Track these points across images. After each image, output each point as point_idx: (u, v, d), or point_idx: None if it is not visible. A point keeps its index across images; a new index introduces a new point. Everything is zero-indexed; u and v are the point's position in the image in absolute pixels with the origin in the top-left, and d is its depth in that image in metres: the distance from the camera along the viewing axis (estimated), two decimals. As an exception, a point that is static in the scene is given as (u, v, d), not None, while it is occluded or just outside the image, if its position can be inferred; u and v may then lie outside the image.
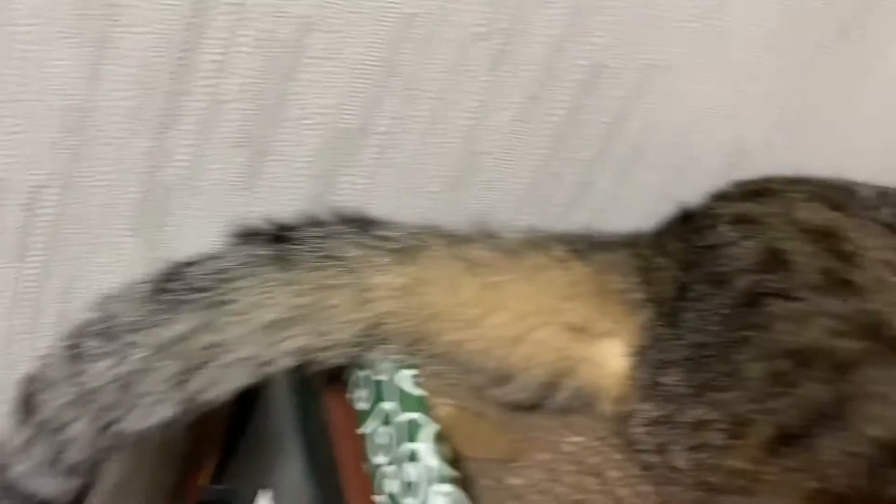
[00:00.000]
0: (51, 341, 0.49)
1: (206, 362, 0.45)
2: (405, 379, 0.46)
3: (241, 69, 0.52)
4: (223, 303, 0.46)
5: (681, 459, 0.43)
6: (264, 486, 0.46)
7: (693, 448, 0.42)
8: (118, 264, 0.57)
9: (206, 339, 0.45)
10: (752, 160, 0.72)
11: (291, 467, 0.44)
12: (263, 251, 0.48)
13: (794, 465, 0.40)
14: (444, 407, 0.45)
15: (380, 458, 0.46)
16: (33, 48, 0.47)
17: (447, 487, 0.41)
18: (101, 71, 0.49)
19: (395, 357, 0.47)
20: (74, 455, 0.46)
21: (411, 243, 0.49)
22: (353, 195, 0.59)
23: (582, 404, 0.52)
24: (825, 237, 0.48)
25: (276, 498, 0.45)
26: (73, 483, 0.47)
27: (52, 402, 0.45)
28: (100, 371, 0.45)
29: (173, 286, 0.47)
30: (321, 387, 0.51)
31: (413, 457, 0.43)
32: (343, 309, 0.47)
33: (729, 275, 0.48)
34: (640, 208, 0.69)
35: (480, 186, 0.63)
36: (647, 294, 0.50)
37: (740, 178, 0.69)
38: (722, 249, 0.49)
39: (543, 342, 0.49)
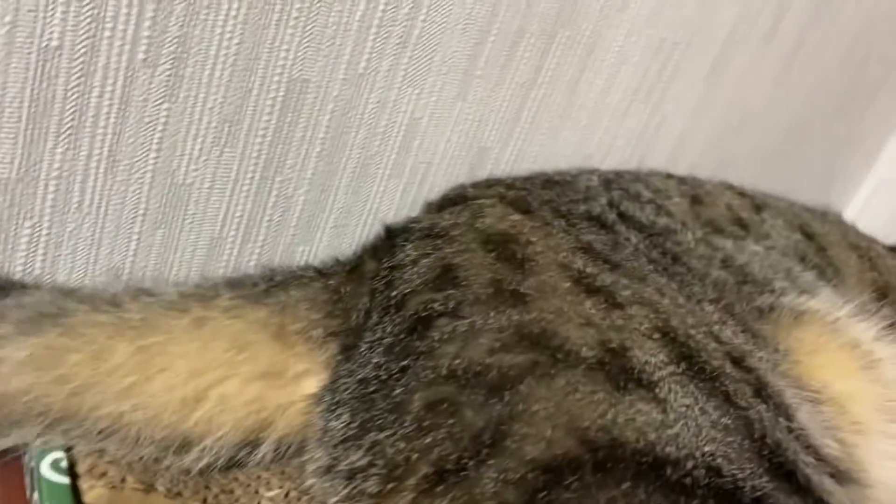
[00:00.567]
0: None
1: None
2: (46, 465, 0.41)
3: None
4: None
5: (336, 511, 0.40)
6: None
7: (348, 499, 0.39)
8: None
9: None
10: (493, 158, 0.71)
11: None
12: None
13: (449, 505, 0.37)
14: (93, 490, 0.41)
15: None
16: None
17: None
18: None
19: (43, 439, 0.42)
20: None
21: (46, 310, 0.43)
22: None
23: (296, 451, 0.48)
24: (502, 244, 0.46)
25: None
26: None
27: None
28: None
29: None
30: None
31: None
32: None
33: (401, 298, 0.45)
34: (385, 217, 0.67)
35: (192, 220, 0.59)
36: (332, 327, 0.47)
37: (482, 177, 0.68)
38: (401, 270, 0.47)
39: (228, 398, 0.45)
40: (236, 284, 0.48)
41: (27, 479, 0.45)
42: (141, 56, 0.50)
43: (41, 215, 0.53)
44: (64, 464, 0.42)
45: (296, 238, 0.64)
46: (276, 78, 0.56)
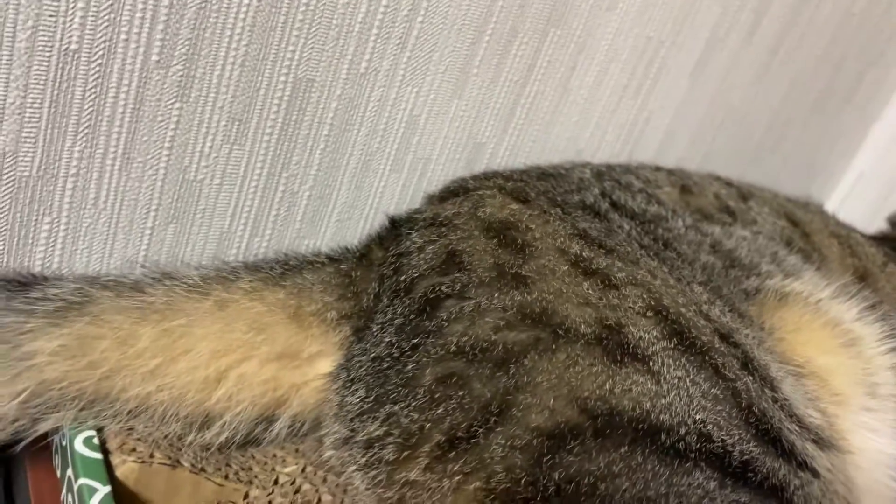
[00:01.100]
0: None
1: None
2: (80, 442, 0.43)
3: None
4: None
5: (357, 479, 0.42)
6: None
7: (367, 466, 0.42)
8: None
9: None
10: (489, 152, 0.73)
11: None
12: None
13: (460, 469, 0.39)
14: (125, 464, 0.43)
15: (68, 528, 0.43)
16: None
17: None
18: None
19: (77, 421, 0.44)
20: None
21: (72, 300, 0.46)
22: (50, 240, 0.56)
23: (309, 428, 0.51)
24: (503, 231, 0.49)
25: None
26: None
27: None
28: None
29: None
30: (25, 457, 0.47)
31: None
32: None
33: (409, 282, 0.48)
34: (386, 211, 0.69)
35: (202, 214, 0.61)
36: (345, 310, 0.50)
37: (479, 171, 0.71)
38: (408, 257, 0.49)
39: (246, 378, 0.47)
40: (254, 267, 0.51)
41: (56, 459, 0.47)
42: (154, 58, 0.53)
43: (59, 211, 0.55)
44: (96, 441, 0.44)
45: (301, 232, 0.67)
46: (282, 78, 0.59)
